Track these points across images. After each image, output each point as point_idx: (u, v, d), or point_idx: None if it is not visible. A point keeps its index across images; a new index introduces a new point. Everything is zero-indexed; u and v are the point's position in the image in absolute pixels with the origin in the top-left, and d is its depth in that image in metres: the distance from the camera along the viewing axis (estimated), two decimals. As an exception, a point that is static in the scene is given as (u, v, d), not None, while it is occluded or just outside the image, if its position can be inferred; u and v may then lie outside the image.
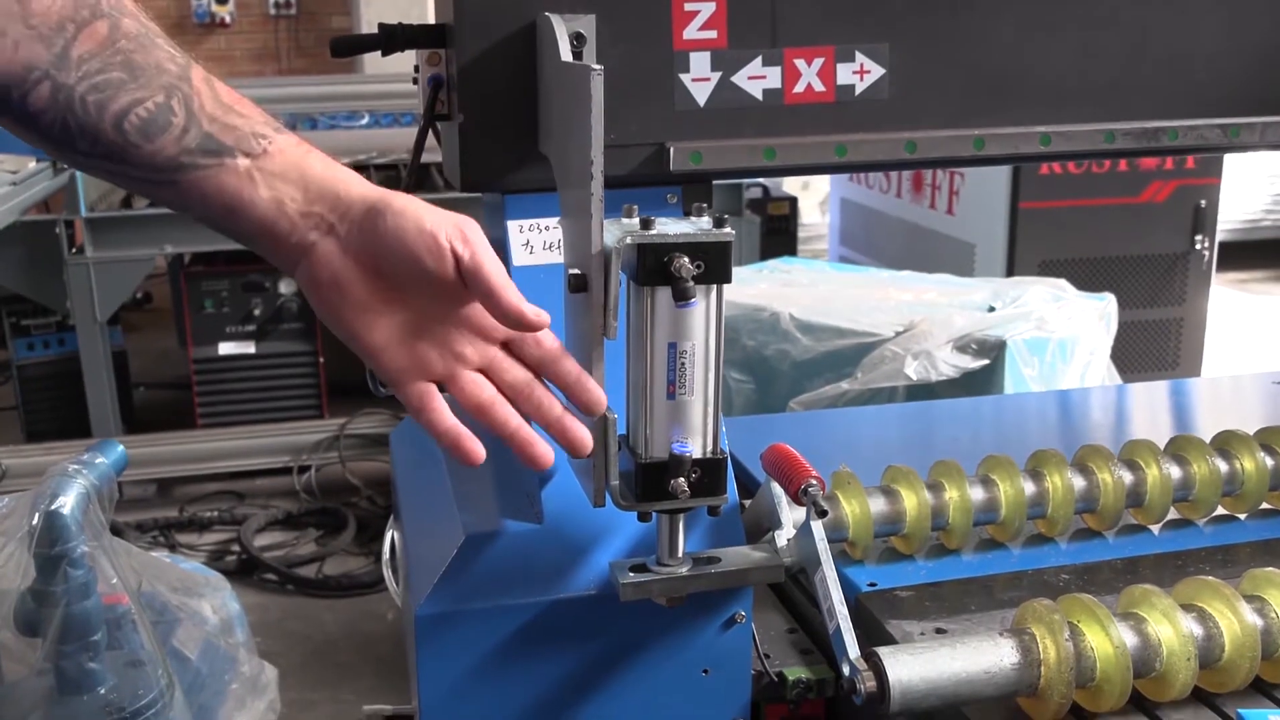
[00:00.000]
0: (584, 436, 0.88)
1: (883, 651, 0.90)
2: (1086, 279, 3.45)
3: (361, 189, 0.86)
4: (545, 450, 0.88)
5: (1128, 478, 1.20)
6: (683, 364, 0.90)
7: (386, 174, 3.92)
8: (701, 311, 0.90)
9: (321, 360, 3.85)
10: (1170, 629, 0.92)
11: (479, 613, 0.98)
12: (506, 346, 0.90)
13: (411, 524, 1.19)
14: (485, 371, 0.88)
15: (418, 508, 1.20)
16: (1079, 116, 1.21)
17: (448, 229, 0.85)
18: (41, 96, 0.79)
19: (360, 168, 3.94)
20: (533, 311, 0.85)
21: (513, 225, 1.09)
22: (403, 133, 4.17)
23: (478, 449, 0.86)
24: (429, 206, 0.86)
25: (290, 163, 0.85)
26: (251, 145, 0.84)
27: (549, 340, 0.90)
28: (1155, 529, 1.23)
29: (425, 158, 1.15)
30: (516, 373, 0.89)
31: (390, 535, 1.45)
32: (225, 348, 3.82)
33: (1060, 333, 2.45)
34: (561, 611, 0.99)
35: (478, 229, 0.87)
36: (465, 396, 0.87)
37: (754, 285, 2.86)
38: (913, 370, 2.35)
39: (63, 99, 0.79)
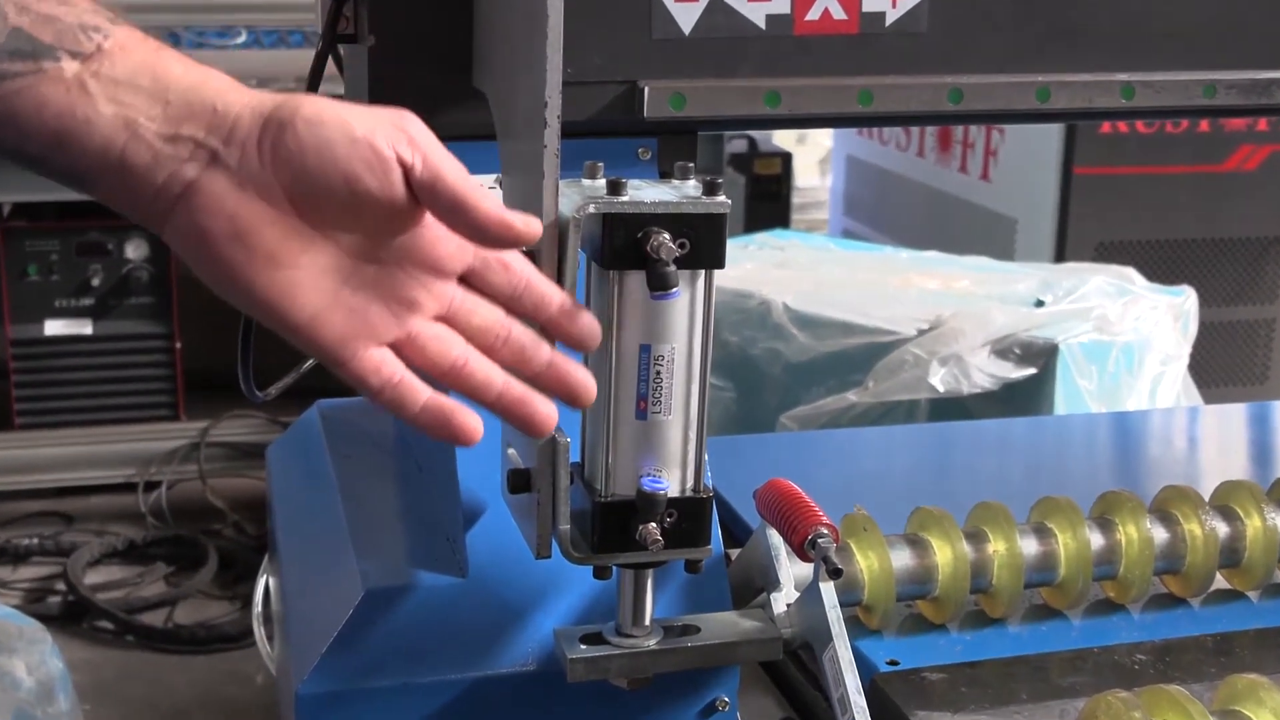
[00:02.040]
0: (588, 381, 0.84)
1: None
2: (1158, 267, 3.47)
3: (247, 97, 0.80)
4: (548, 409, 0.82)
5: (1222, 529, 1.19)
6: (659, 373, 0.89)
7: (268, 108, 3.89)
8: (685, 305, 0.89)
9: (178, 345, 3.81)
10: (1283, 733, 0.90)
11: (381, 693, 0.96)
12: (464, 281, 0.84)
13: (293, 568, 1.17)
14: (447, 319, 0.83)
15: (303, 547, 1.18)
16: (1170, 63, 1.21)
17: (387, 132, 0.80)
18: None
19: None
20: (521, 219, 0.81)
21: (438, 183, 1.07)
22: (292, 56, 4.12)
23: (474, 423, 0.81)
24: (351, 106, 0.81)
25: (139, 64, 0.78)
26: (80, 41, 0.77)
27: (518, 263, 0.85)
28: (1254, 596, 1.23)
29: (324, 89, 1.12)
30: (485, 312, 0.83)
31: (264, 578, 1.43)
32: (53, 327, 3.76)
33: (1126, 335, 2.46)
34: (490, 693, 0.98)
35: (422, 125, 0.82)
36: (430, 358, 0.82)
37: (737, 265, 2.85)
38: (940, 380, 2.34)
39: None
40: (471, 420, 0.81)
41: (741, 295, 2.62)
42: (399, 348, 0.82)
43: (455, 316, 0.83)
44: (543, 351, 0.84)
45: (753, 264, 2.89)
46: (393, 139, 0.80)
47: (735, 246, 3.12)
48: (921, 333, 2.44)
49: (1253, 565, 1.21)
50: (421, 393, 0.81)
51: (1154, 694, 0.92)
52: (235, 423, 3.71)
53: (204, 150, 0.78)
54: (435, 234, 0.82)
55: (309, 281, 0.79)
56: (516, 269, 0.84)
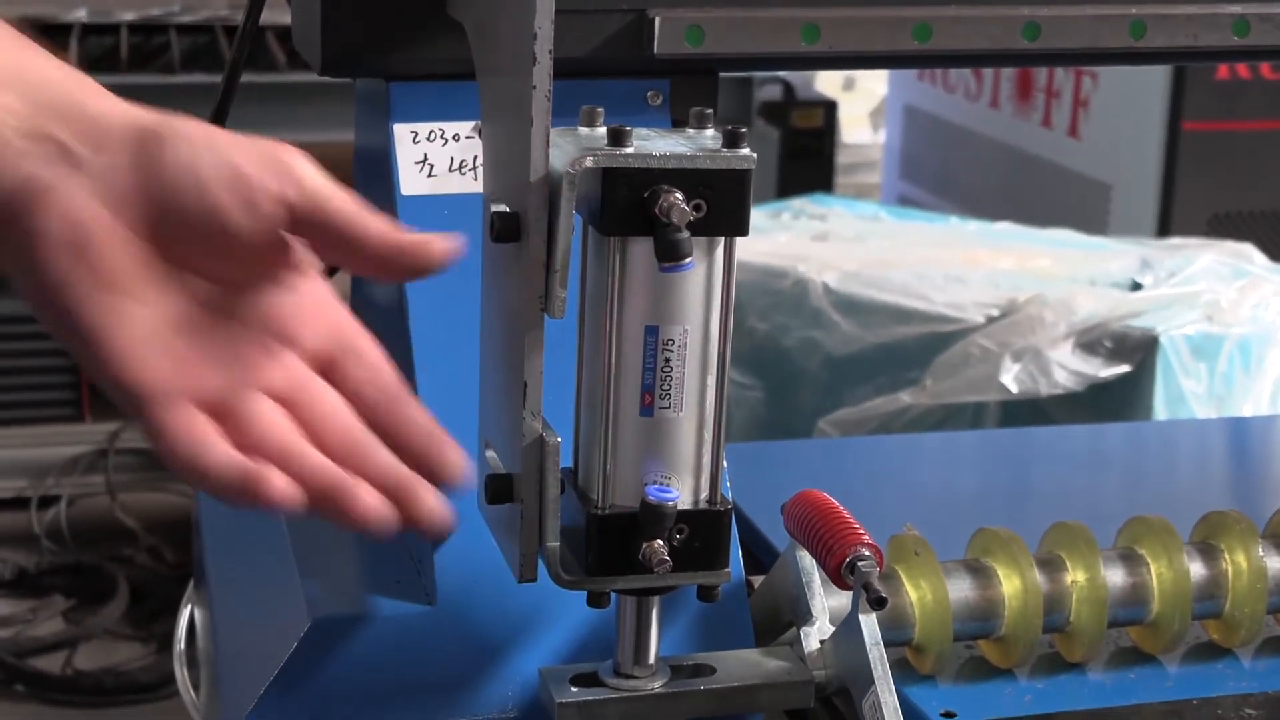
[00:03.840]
0: (458, 459, 0.88)
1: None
2: (1283, 244, 3.47)
3: (122, 108, 0.85)
4: (371, 499, 0.84)
5: (1350, 560, 1.20)
6: (668, 360, 0.90)
7: (196, 39, 3.90)
8: (700, 279, 0.90)
9: (83, 331, 3.81)
10: None
11: (331, 743, 0.98)
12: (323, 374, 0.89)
13: (226, 596, 1.19)
14: (287, 402, 0.87)
15: (237, 571, 1.20)
16: (1293, -9, 1.22)
17: (258, 163, 0.84)
18: None
19: (157, 27, 3.92)
20: (423, 238, 0.86)
21: (401, 130, 1.09)
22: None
23: (292, 492, 0.83)
24: (231, 135, 0.86)
25: (4, 59, 0.83)
26: None
27: (381, 362, 0.90)
28: (1388, 640, 1.24)
29: (264, 17, 1.14)
30: (338, 411, 0.88)
31: (188, 611, 1.45)
32: (-71, 307, 3.77)
33: (1242, 327, 2.46)
34: (463, 744, 1.00)
35: (307, 161, 0.87)
36: (258, 432, 0.84)
37: (769, 237, 2.86)
38: (1013, 378, 2.35)
39: None
40: (287, 488, 0.82)
41: (773, 274, 2.63)
42: (220, 418, 0.84)
43: (299, 398, 0.87)
44: (380, 454, 0.86)
45: (787, 236, 2.91)
46: (267, 168, 0.84)
47: (766, 215, 3.14)
48: (991, 321, 2.45)
49: (1387, 603, 1.22)
50: (224, 453, 0.82)
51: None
52: (151, 426, 3.73)
53: (66, 153, 0.82)
54: (298, 302, 0.88)
55: (142, 317, 0.83)
56: (382, 371, 0.89)
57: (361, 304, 1.31)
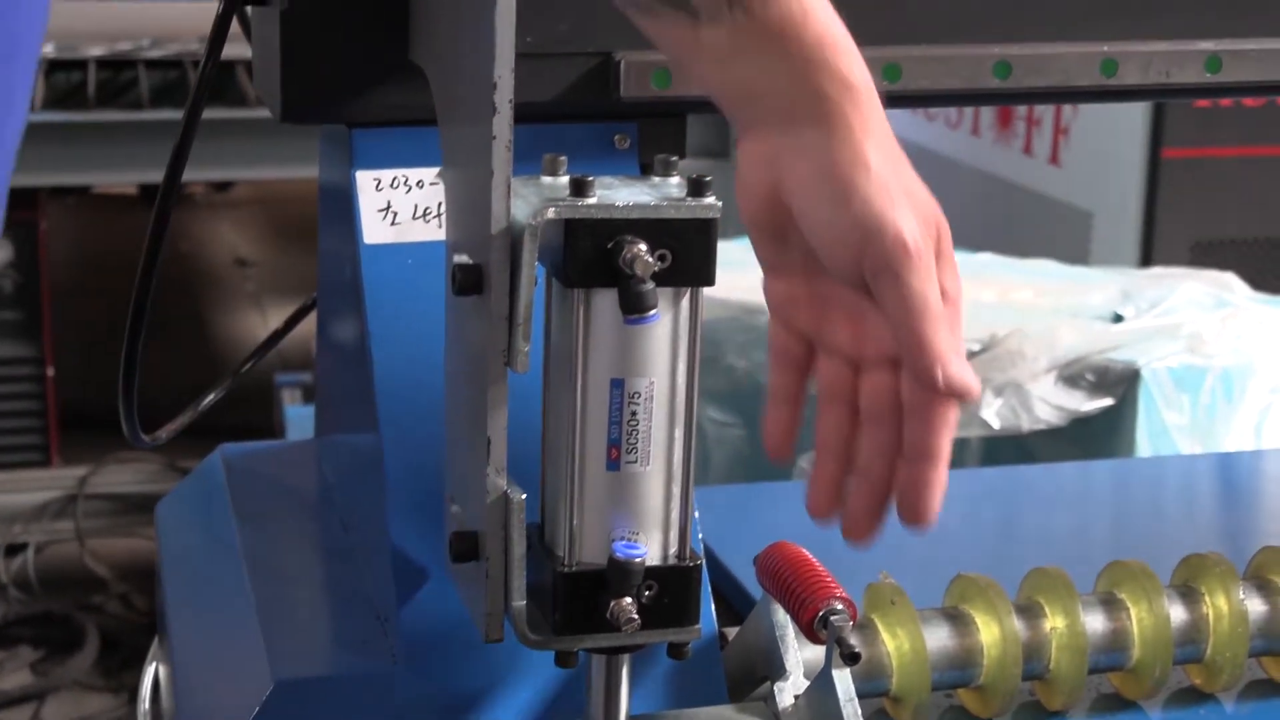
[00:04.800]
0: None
1: None
2: (1265, 269, 3.48)
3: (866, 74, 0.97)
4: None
5: (1333, 601, 1.20)
6: (634, 413, 0.90)
7: (165, 74, 3.90)
8: (666, 330, 0.90)
9: (50, 373, 3.81)
10: None
11: (294, 811, 0.97)
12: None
13: (187, 654, 1.19)
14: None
15: (199, 628, 1.19)
16: (1265, 27, 1.23)
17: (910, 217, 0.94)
18: None
19: (125, 63, 3.91)
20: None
21: (363, 178, 1.09)
22: (193, 11, 4.13)
23: None
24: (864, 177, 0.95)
25: None
26: (721, 8, 0.92)
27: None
28: (1374, 683, 1.24)
29: (228, 52, 1.14)
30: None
31: (153, 666, 1.44)
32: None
33: (1224, 358, 2.46)
34: (430, 807, 0.99)
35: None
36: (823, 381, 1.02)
37: (745, 272, 2.85)
38: (995, 413, 2.35)
39: None
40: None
41: (750, 310, 2.63)
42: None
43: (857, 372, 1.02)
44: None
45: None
46: (911, 229, 0.94)
47: (743, 248, 3.12)
48: (972, 355, 2.45)
49: (1372, 645, 1.22)
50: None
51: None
52: (121, 469, 3.71)
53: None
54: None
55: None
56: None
57: (327, 353, 1.31)
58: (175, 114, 3.71)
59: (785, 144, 0.95)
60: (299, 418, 3.44)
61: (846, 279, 0.97)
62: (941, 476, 0.98)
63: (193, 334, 5.14)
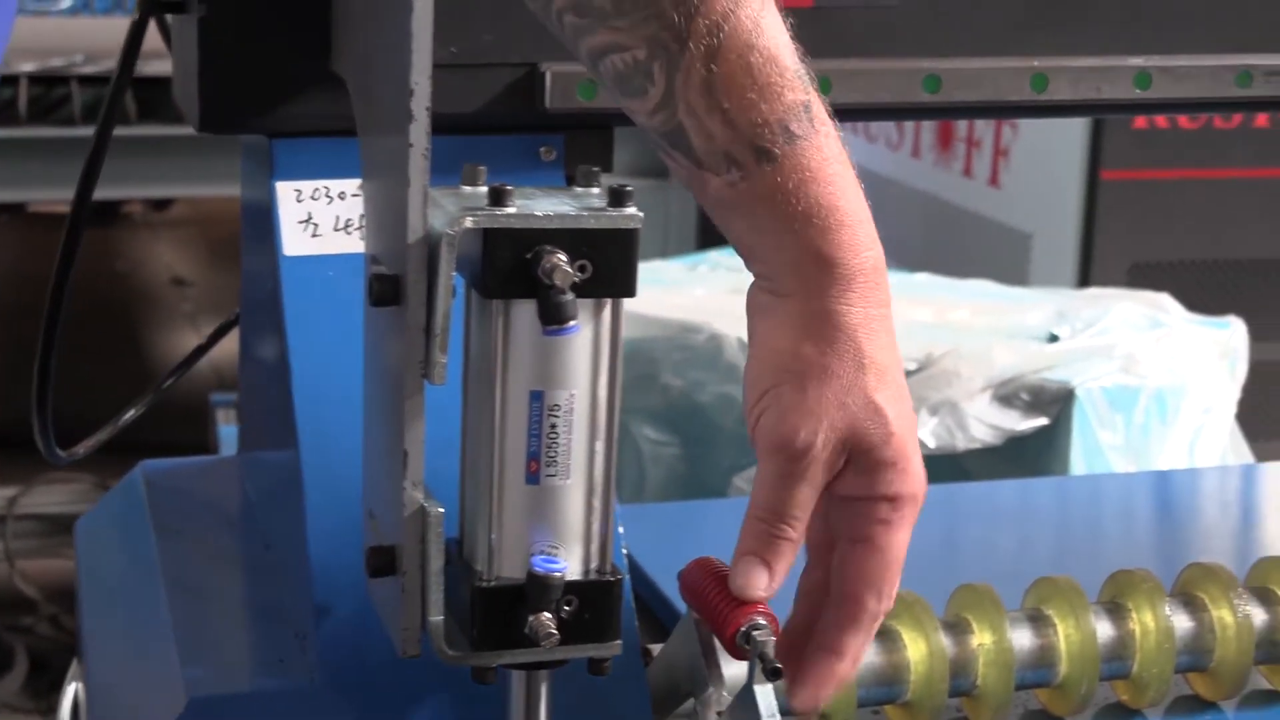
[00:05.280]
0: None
1: None
2: (1201, 291, 3.50)
3: (872, 257, 0.98)
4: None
5: (1259, 617, 1.21)
6: (553, 426, 0.90)
7: (98, 91, 3.87)
8: (586, 342, 0.90)
9: (-20, 388, 3.77)
10: None
11: (208, 830, 0.96)
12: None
13: (103, 673, 1.17)
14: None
15: (115, 647, 1.18)
16: (1195, 44, 1.23)
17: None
18: None
19: (58, 79, 3.89)
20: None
21: (284, 189, 1.08)
22: (126, 26, 4.12)
23: None
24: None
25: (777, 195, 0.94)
26: (721, 165, 0.94)
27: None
28: (1301, 699, 1.24)
29: (148, 68, 1.13)
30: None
31: (73, 686, 1.42)
32: None
33: (1158, 378, 2.48)
34: (347, 828, 0.98)
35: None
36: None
37: (683, 291, 2.86)
38: (930, 432, 2.36)
39: (540, 3, 0.95)
40: None
41: (688, 329, 2.63)
42: None
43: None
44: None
45: (703, 290, 2.90)
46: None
47: (682, 268, 3.13)
48: (909, 374, 2.45)
49: (1298, 661, 1.22)
50: None
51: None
52: (51, 490, 3.69)
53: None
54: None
55: None
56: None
57: (249, 367, 1.29)
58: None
59: (759, 302, 0.98)
60: (233, 437, 3.41)
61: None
62: (838, 671, 1.00)
63: (129, 353, 5.12)
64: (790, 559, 0.97)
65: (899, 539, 0.99)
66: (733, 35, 0.92)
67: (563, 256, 0.87)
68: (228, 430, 3.49)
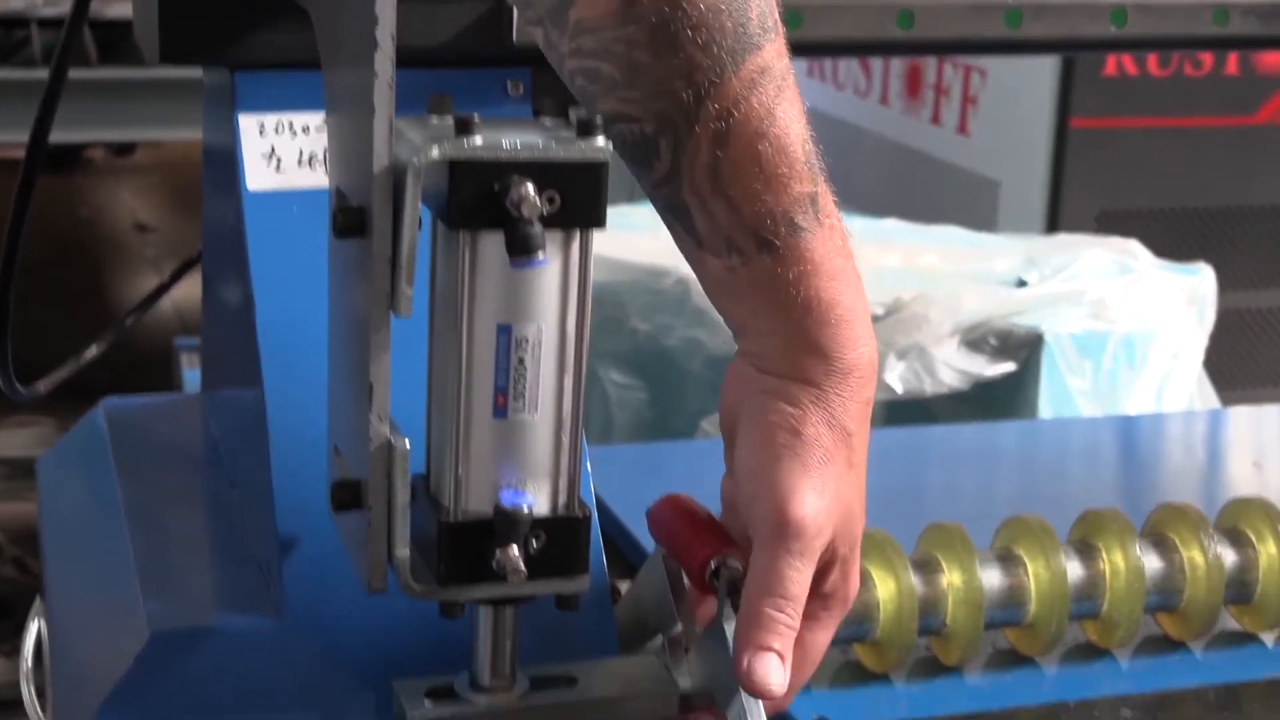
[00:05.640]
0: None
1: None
2: (1169, 240, 3.51)
3: (865, 353, 0.97)
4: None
5: (1229, 557, 1.21)
6: (521, 360, 0.89)
7: (59, 32, 3.84)
8: (555, 275, 0.89)
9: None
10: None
11: (172, 766, 0.96)
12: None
13: (65, 610, 1.17)
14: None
15: (77, 584, 1.17)
16: (1171, -19, 1.23)
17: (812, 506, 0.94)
18: (536, 37, 0.95)
19: (17, 21, 3.86)
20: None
21: (247, 122, 1.07)
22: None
23: None
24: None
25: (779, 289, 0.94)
26: (722, 249, 0.94)
27: None
28: (1269, 639, 1.24)
29: (109, 11, 1.12)
30: None
31: (35, 625, 1.41)
32: None
33: (1127, 324, 2.48)
34: (312, 763, 0.98)
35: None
36: None
37: (650, 235, 2.85)
38: (897, 377, 2.36)
39: (554, 58, 0.94)
40: None
41: (654, 273, 2.62)
42: None
43: None
44: None
45: (669, 235, 2.90)
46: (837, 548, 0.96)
47: (651, 212, 3.11)
48: (876, 319, 2.45)
49: (1266, 601, 1.22)
50: None
51: (1134, 756, 0.93)
52: (14, 434, 3.68)
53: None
54: None
55: None
56: None
57: (211, 305, 1.28)
58: (71, 74, 3.66)
59: (752, 385, 0.97)
60: (198, 381, 3.40)
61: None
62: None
63: (92, 299, 5.09)
64: (793, 647, 0.95)
65: (823, 640, 0.99)
66: (743, 122, 0.91)
67: (530, 187, 0.86)
68: (192, 374, 3.48)
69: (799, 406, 0.94)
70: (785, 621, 0.93)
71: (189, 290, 1.41)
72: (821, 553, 0.95)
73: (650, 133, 0.92)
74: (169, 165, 6.57)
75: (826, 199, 0.95)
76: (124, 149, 6.77)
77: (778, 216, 0.93)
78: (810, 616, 0.96)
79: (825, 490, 0.94)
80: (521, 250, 0.86)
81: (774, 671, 0.92)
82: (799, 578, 0.93)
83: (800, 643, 0.96)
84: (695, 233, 0.95)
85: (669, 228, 0.98)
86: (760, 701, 0.96)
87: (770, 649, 0.92)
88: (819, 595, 0.97)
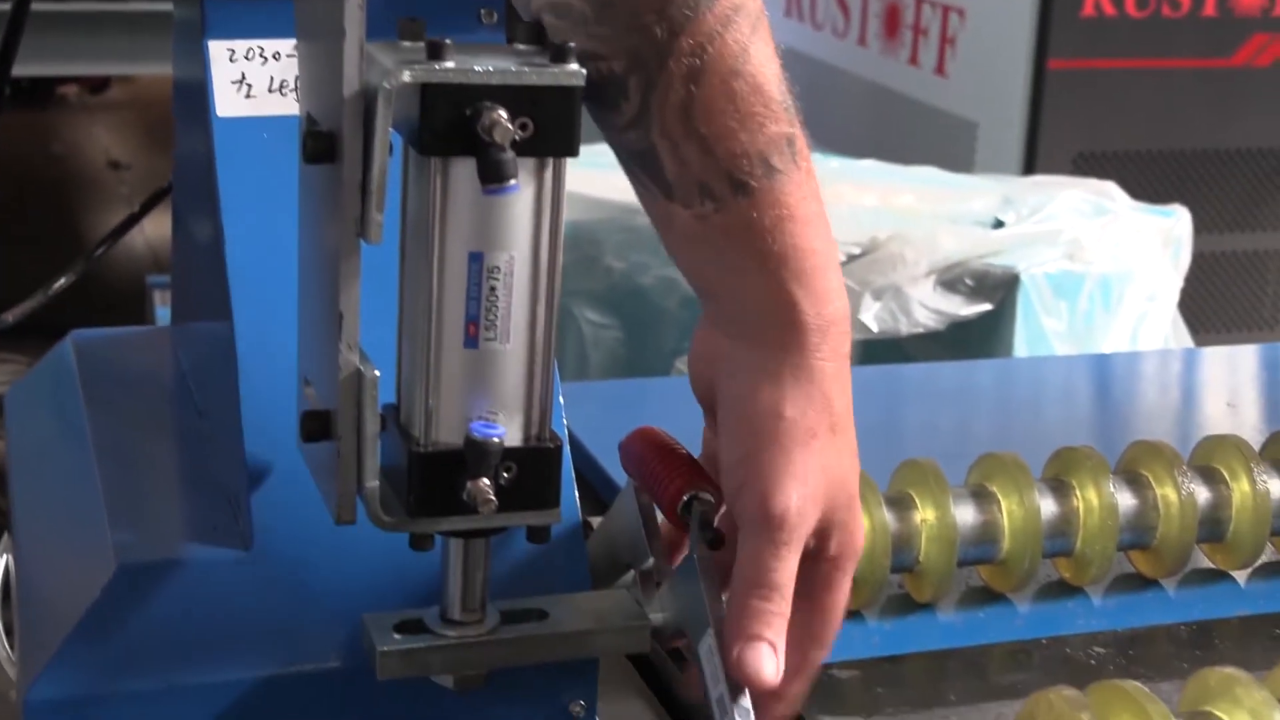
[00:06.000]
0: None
1: (805, 769, 0.89)
2: (1146, 182, 3.51)
3: (836, 312, 0.95)
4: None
5: (1202, 495, 1.21)
6: (493, 289, 0.88)
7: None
8: (528, 202, 0.87)
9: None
10: (1264, 739, 0.92)
11: (137, 698, 0.94)
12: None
13: (32, 543, 1.16)
14: None
15: (44, 516, 1.17)
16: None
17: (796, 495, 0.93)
18: None
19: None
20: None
21: (216, 48, 1.05)
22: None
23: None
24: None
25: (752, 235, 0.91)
26: (693, 195, 0.92)
27: None
28: (1242, 578, 1.25)
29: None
30: None
31: (3, 561, 1.40)
32: None
33: (1102, 265, 2.49)
34: (280, 696, 0.97)
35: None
36: None
37: (623, 173, 2.84)
38: (873, 317, 2.36)
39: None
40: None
41: (630, 211, 2.61)
42: None
43: None
44: None
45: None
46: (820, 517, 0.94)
47: (624, 151, 3.10)
48: (852, 259, 2.45)
49: (1239, 539, 1.23)
50: None
51: (1107, 691, 0.93)
52: (-13, 368, 3.65)
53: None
54: None
55: None
56: None
57: (181, 236, 1.27)
58: (42, 5, 3.63)
59: (725, 352, 0.95)
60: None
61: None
62: (777, 713, 0.97)
63: (66, 237, 5.06)
64: (785, 632, 0.93)
65: (842, 598, 0.98)
66: (717, 58, 0.89)
67: (503, 113, 0.84)
68: (165, 312, 3.47)
69: (778, 383, 0.93)
70: (773, 610, 0.92)
71: (162, 229, 1.39)
72: (815, 530, 0.94)
73: (620, 71, 0.91)
74: (143, 102, 6.52)
75: (802, 143, 0.94)
76: (98, 86, 6.72)
77: (753, 157, 0.91)
78: (823, 581, 0.96)
79: (809, 474, 0.93)
80: (493, 177, 0.84)
81: (766, 661, 0.91)
82: (784, 567, 0.92)
83: (821, 607, 0.96)
84: (664, 181, 0.93)
85: (633, 180, 0.96)
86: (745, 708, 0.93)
87: (760, 638, 0.91)
88: (826, 559, 0.96)
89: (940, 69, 3.90)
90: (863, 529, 0.99)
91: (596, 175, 2.61)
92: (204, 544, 0.99)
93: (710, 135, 0.90)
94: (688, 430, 1.04)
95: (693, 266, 0.96)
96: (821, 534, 0.95)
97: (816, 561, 0.95)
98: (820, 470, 0.93)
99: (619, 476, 1.16)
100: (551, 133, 0.86)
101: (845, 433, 0.95)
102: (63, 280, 1.30)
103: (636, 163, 0.94)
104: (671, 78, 0.90)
